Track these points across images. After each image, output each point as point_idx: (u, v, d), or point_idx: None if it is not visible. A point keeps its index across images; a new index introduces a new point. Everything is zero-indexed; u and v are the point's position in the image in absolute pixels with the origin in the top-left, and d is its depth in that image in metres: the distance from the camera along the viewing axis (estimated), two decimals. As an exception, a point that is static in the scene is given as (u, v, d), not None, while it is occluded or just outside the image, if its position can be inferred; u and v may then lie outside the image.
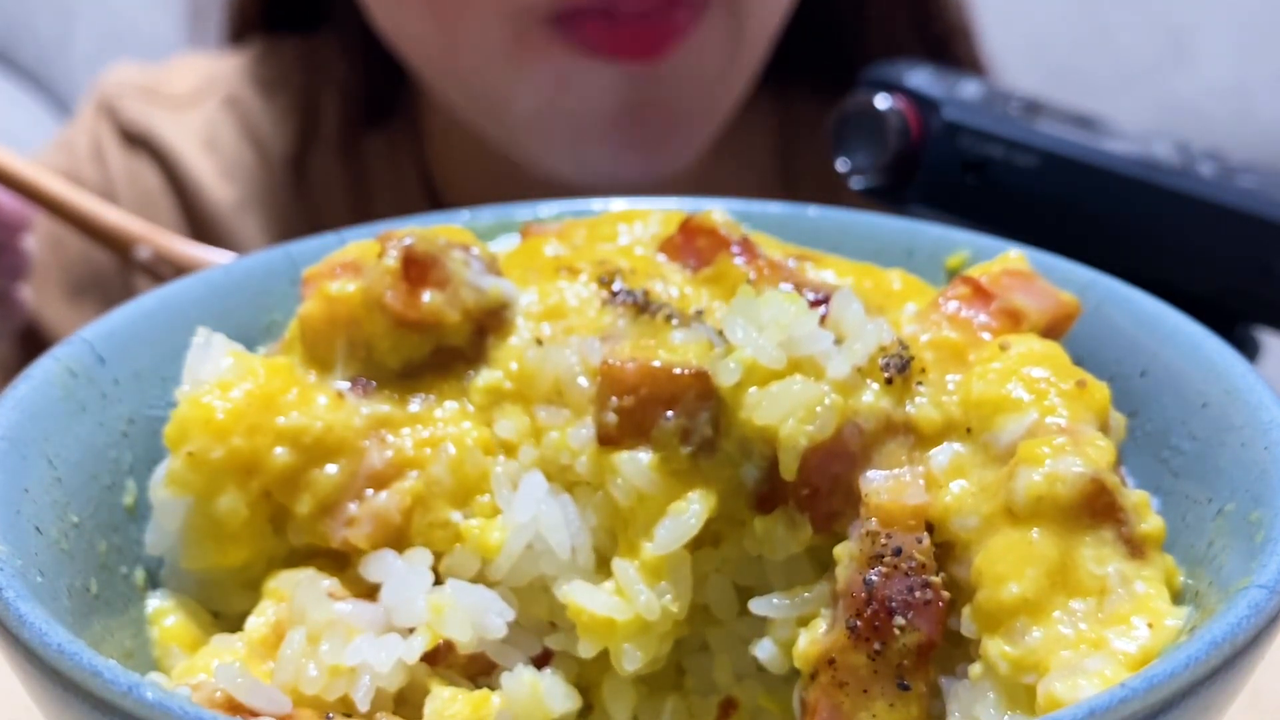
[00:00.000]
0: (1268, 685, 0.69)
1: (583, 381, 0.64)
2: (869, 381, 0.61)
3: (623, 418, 0.61)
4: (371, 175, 1.32)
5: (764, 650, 0.61)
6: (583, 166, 1.17)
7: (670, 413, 0.61)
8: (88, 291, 1.29)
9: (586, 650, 0.61)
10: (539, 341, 0.66)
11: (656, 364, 0.61)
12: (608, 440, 0.62)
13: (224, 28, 1.44)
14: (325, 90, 1.34)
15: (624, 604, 0.60)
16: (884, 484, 0.59)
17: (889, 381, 0.61)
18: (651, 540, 0.61)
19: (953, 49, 1.34)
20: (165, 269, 0.86)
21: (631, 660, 0.61)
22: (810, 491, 0.60)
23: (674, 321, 0.64)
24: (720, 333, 0.62)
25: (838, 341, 0.61)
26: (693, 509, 0.60)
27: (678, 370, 0.61)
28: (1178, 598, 0.58)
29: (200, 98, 1.35)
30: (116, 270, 1.29)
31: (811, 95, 1.37)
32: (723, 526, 0.62)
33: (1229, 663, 0.51)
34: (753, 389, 0.60)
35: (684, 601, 0.61)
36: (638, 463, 0.61)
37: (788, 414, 0.59)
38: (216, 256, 0.87)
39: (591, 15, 1.08)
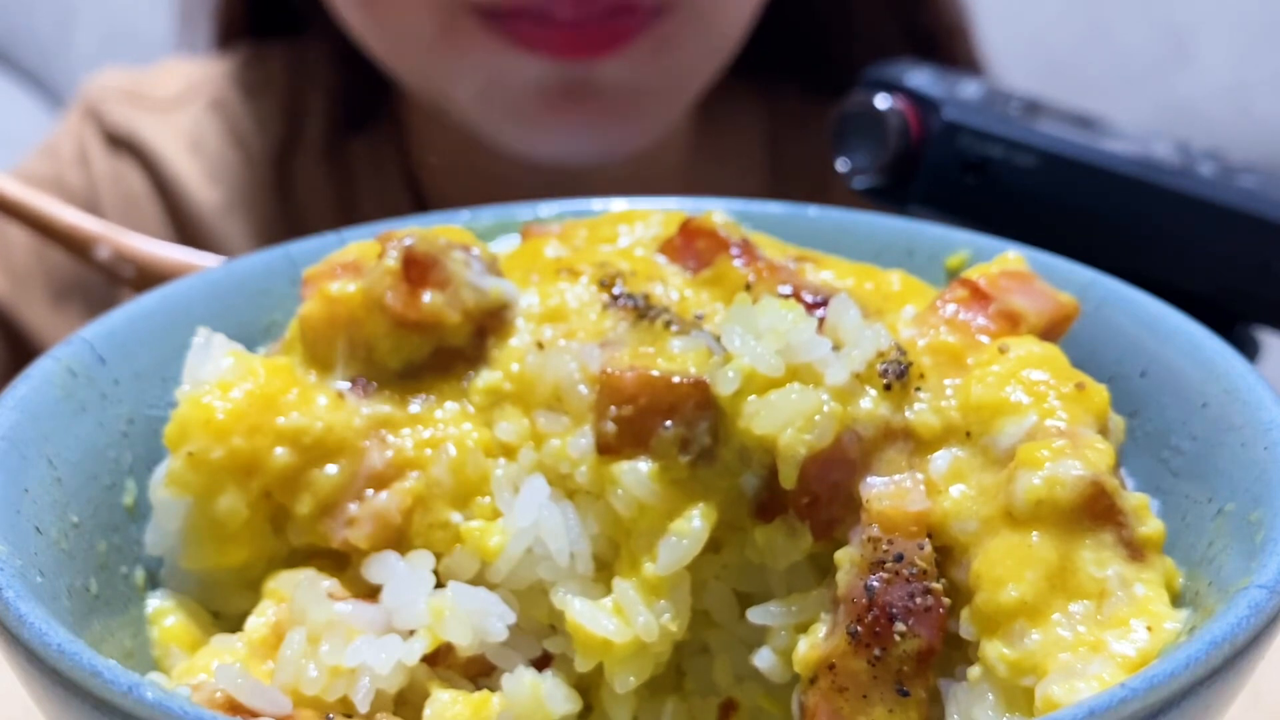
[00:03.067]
0: (1268, 685, 0.69)
1: (582, 389, 0.64)
2: (867, 388, 0.60)
3: (622, 427, 0.61)
4: (356, 179, 1.33)
5: (763, 659, 0.61)
6: (535, 145, 1.17)
7: (669, 422, 0.61)
8: (72, 296, 1.29)
9: (583, 665, 0.61)
10: (540, 345, 0.66)
11: (655, 373, 0.61)
12: (607, 449, 0.62)
13: (211, 33, 1.44)
14: (310, 94, 1.34)
15: (622, 626, 0.60)
16: (885, 490, 0.59)
17: (888, 388, 0.61)
18: (654, 560, 0.60)
19: (943, 47, 1.34)
20: (125, 269, 0.85)
21: (624, 684, 0.61)
22: (810, 500, 0.60)
23: (673, 328, 0.64)
24: (719, 339, 0.62)
25: (836, 348, 0.61)
26: (694, 527, 0.60)
27: (676, 379, 0.61)
28: (1177, 600, 0.58)
29: (185, 101, 1.35)
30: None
31: (799, 93, 1.37)
32: (723, 533, 0.62)
33: (1229, 663, 0.51)
34: (751, 398, 0.60)
35: (683, 620, 0.61)
36: (638, 473, 0.61)
37: (786, 423, 0.59)
38: (177, 254, 0.85)
39: (524, 15, 1.08)
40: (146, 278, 0.84)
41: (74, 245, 0.86)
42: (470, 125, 1.20)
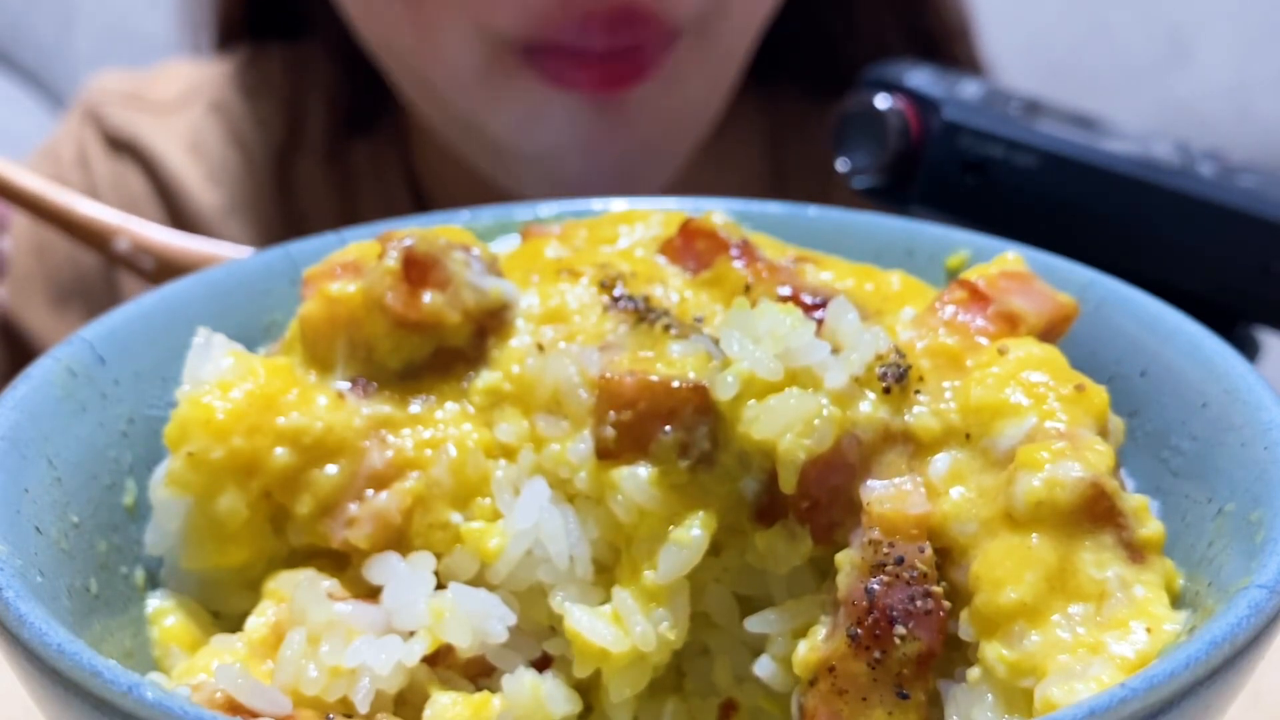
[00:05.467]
0: (1268, 685, 0.69)
1: (582, 393, 0.64)
2: (867, 391, 0.60)
3: (621, 432, 0.61)
4: (357, 182, 1.32)
5: (763, 667, 0.61)
6: (555, 189, 1.17)
7: (668, 427, 0.61)
8: (72, 298, 1.29)
9: (581, 671, 0.61)
10: (540, 347, 0.66)
11: (654, 378, 0.61)
12: (606, 454, 0.62)
13: (211, 34, 1.44)
14: (311, 96, 1.34)
15: (620, 635, 0.60)
16: (885, 493, 0.59)
17: (887, 391, 0.60)
18: (653, 567, 0.60)
19: (945, 48, 1.34)
20: (145, 260, 0.85)
21: (619, 694, 0.61)
22: (810, 504, 0.60)
23: (673, 331, 0.64)
24: (718, 343, 0.62)
25: (834, 351, 0.61)
26: (693, 535, 0.60)
27: (675, 384, 0.61)
28: (1177, 601, 0.58)
29: (185, 103, 1.35)
30: (101, 276, 1.29)
31: (800, 96, 1.37)
32: (723, 536, 0.62)
33: (1229, 663, 0.51)
34: (751, 402, 0.60)
35: (681, 629, 0.61)
36: (637, 478, 0.61)
37: (786, 428, 0.59)
38: (195, 244, 0.85)
39: (560, 51, 1.08)
40: (166, 269, 0.83)
41: (93, 238, 0.86)
42: (489, 164, 1.19)
